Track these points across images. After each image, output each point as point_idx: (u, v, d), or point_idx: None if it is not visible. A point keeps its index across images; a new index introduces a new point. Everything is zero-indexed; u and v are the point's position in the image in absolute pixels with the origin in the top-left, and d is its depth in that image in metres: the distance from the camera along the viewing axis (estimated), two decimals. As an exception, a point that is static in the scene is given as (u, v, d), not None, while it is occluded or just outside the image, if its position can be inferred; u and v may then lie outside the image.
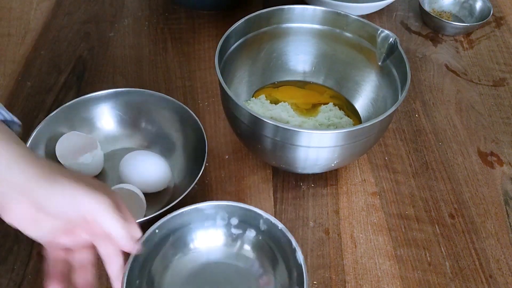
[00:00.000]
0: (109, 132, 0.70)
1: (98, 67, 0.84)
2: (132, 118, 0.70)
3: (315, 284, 0.59)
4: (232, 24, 0.68)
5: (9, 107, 0.76)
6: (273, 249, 0.56)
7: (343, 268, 0.61)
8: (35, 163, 0.42)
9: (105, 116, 0.70)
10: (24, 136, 0.70)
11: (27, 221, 0.43)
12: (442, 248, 0.64)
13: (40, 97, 0.78)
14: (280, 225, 0.54)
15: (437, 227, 0.66)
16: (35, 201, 0.42)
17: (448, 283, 0.60)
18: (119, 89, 0.68)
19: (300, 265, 0.52)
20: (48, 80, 0.80)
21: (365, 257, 0.62)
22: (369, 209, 0.67)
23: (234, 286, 0.56)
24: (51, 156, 0.64)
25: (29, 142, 0.61)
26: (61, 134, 0.66)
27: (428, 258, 0.63)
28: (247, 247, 0.58)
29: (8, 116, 0.49)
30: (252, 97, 0.76)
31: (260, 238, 0.57)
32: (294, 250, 0.53)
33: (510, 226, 0.66)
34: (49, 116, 0.65)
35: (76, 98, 0.67)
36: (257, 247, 0.58)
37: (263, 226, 0.56)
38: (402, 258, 0.62)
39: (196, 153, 0.65)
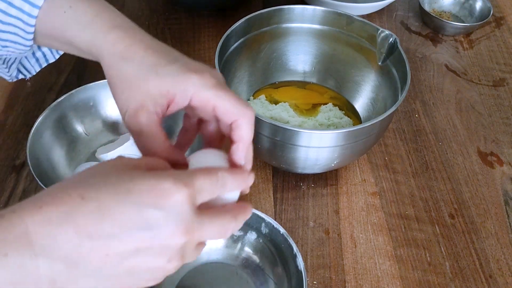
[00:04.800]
0: (112, 120, 0.71)
1: (98, 67, 0.83)
2: None
3: (315, 284, 0.59)
4: (232, 24, 0.68)
5: (9, 107, 0.76)
6: (273, 253, 0.56)
7: (343, 268, 0.61)
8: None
9: (109, 104, 0.70)
10: (25, 131, 0.70)
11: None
12: (442, 248, 0.64)
13: (41, 97, 0.78)
14: (282, 230, 0.54)
15: (437, 227, 0.66)
16: None
17: (448, 283, 0.60)
18: None
19: (300, 271, 0.52)
20: (48, 79, 0.80)
21: (365, 257, 0.62)
22: (369, 209, 0.67)
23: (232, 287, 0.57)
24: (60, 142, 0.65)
25: (34, 128, 0.62)
26: (66, 121, 0.67)
27: (428, 258, 0.63)
28: (247, 249, 0.58)
29: None
30: (252, 97, 0.76)
31: (261, 241, 0.57)
32: (295, 256, 0.53)
33: (510, 226, 0.66)
34: (55, 102, 0.66)
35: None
36: (258, 249, 0.58)
37: (264, 230, 0.56)
38: (402, 258, 0.62)
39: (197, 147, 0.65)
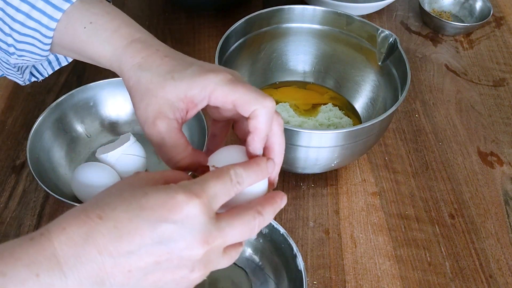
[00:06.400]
0: (112, 120, 0.71)
1: (98, 67, 0.83)
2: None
3: (315, 284, 0.59)
4: (232, 24, 0.68)
5: (9, 107, 0.76)
6: (273, 253, 0.56)
7: (343, 268, 0.61)
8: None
9: (110, 104, 0.70)
10: (25, 132, 0.70)
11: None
12: (442, 248, 0.64)
13: (40, 97, 0.78)
14: (282, 230, 0.54)
15: (437, 227, 0.66)
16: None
17: (448, 283, 0.60)
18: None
19: (300, 271, 0.52)
20: (48, 80, 0.80)
21: (365, 257, 0.62)
22: (369, 209, 0.67)
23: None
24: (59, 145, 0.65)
25: (34, 128, 0.62)
26: (66, 121, 0.67)
27: (428, 258, 0.63)
28: (247, 249, 0.58)
29: None
30: (252, 97, 0.76)
31: (261, 241, 0.57)
32: (295, 256, 0.53)
33: (510, 226, 0.66)
34: (55, 102, 0.66)
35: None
36: (258, 249, 0.58)
37: (264, 230, 0.56)
38: (402, 258, 0.62)
39: (196, 146, 0.65)
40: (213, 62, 0.62)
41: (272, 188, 0.39)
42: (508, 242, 0.64)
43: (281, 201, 0.37)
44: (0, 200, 0.65)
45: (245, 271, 0.57)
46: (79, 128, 0.69)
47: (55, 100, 0.66)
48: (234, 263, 0.58)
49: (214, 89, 0.37)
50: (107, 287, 0.31)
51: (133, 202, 0.31)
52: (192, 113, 0.39)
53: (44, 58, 0.48)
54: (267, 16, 0.72)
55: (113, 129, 0.71)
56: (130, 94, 0.40)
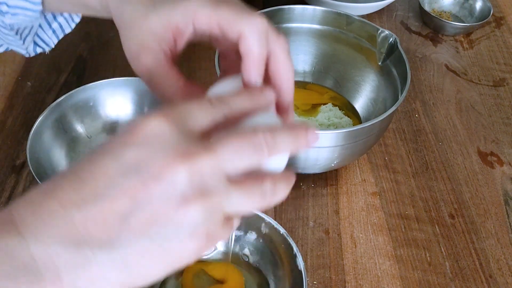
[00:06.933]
0: (112, 120, 0.71)
1: (98, 67, 0.84)
2: (136, 106, 0.71)
3: (315, 284, 0.59)
4: (232, 24, 0.68)
5: (9, 107, 0.76)
6: (273, 253, 0.56)
7: (343, 268, 0.61)
8: None
9: (109, 104, 0.70)
10: (25, 131, 0.70)
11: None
12: (442, 248, 0.64)
13: (40, 97, 0.78)
14: (282, 230, 0.54)
15: (437, 227, 0.66)
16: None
17: (448, 283, 0.60)
18: (125, 78, 0.69)
19: (300, 271, 0.51)
20: (48, 79, 0.80)
21: (365, 257, 0.62)
22: (369, 209, 0.67)
23: None
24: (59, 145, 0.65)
25: (34, 128, 0.62)
26: (66, 121, 0.67)
27: (428, 258, 0.63)
28: (247, 249, 0.58)
29: None
30: (252, 97, 0.76)
31: (261, 241, 0.57)
32: (295, 256, 0.53)
33: (510, 226, 0.66)
34: (55, 102, 0.66)
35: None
36: (258, 249, 0.58)
37: (264, 230, 0.56)
38: (402, 258, 0.62)
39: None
40: (214, 63, 0.62)
41: (287, 116, 0.34)
42: (508, 242, 0.64)
43: (306, 132, 0.30)
44: (0, 200, 0.65)
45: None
46: (79, 128, 0.69)
47: (55, 100, 0.66)
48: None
49: (196, 11, 0.34)
50: (84, 252, 0.25)
51: (97, 150, 0.27)
52: (181, 42, 0.36)
53: (38, 15, 0.46)
54: (267, 16, 0.71)
55: (113, 129, 0.71)
56: (119, 32, 0.37)
